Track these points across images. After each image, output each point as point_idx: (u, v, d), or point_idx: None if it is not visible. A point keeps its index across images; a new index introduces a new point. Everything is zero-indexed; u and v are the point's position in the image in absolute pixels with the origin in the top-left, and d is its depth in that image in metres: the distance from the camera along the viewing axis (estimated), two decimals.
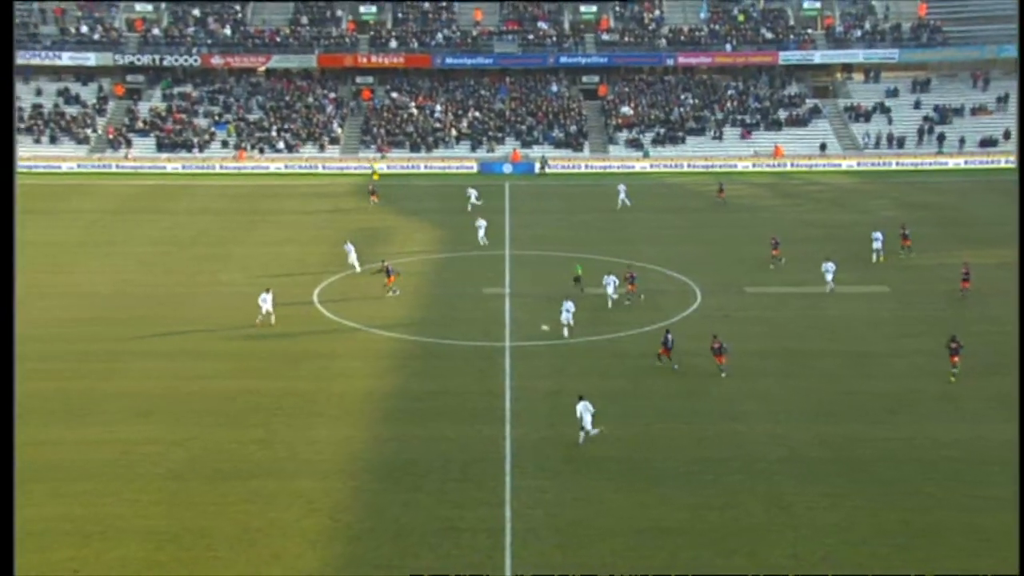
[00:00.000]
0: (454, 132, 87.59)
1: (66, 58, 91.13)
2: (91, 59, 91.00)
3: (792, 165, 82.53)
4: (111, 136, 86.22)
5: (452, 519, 27.06)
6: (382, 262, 48.05)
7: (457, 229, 60.60)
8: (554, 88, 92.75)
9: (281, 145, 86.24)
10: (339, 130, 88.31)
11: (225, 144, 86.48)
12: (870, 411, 34.10)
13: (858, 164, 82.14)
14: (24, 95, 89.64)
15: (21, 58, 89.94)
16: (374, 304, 45.61)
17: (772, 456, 30.93)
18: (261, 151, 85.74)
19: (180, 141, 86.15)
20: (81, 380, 36.74)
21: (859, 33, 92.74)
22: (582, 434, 31.20)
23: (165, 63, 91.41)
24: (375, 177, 78.61)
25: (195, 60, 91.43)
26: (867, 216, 62.43)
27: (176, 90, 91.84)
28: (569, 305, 41.04)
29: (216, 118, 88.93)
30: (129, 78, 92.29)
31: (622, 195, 66.86)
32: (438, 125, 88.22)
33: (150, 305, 45.57)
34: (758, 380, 37.05)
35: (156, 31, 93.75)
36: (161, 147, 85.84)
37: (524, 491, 28.54)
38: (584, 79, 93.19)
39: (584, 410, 31.22)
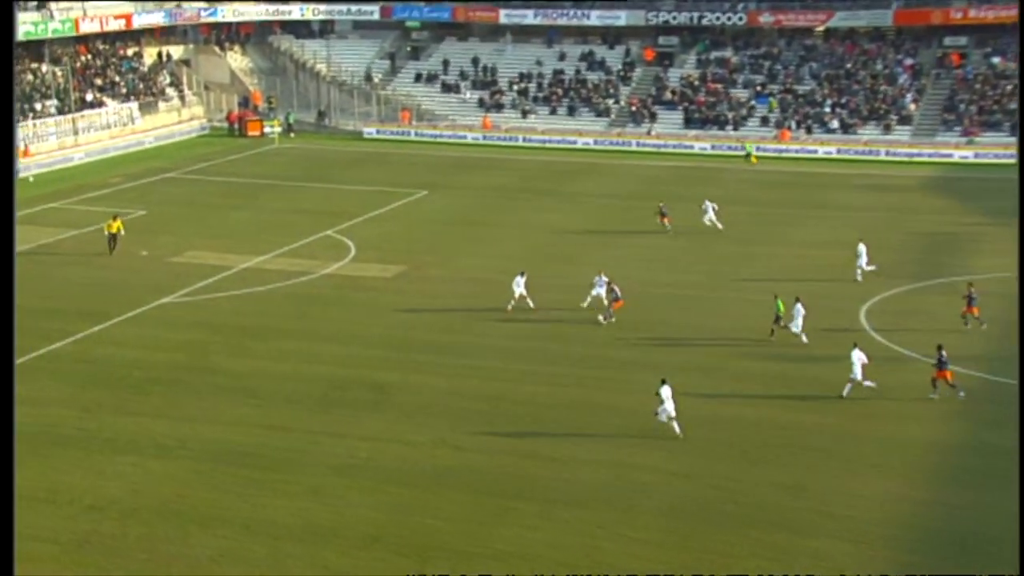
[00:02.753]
0: None
1: (594, 17, 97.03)
2: (621, 18, 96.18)
3: None
4: (634, 108, 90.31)
5: None
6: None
7: None
8: None
9: (835, 124, 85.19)
10: (912, 106, 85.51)
11: (765, 121, 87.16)
12: None
13: None
14: (547, 60, 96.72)
15: (547, 18, 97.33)
16: (938, 330, 43.22)
17: None
18: (808, 131, 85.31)
19: (712, 116, 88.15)
20: (577, 388, 38.32)
21: None
22: (663, 414, 33.67)
23: (704, 22, 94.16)
24: (752, 161, 79.02)
25: (740, 19, 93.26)
26: None
27: (713, 55, 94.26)
28: (859, 356, 36.81)
29: (758, 89, 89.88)
30: (661, 40, 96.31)
31: None
32: None
33: (663, 308, 46.69)
34: None
35: None
36: (689, 122, 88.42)
37: None
38: None
39: (667, 396, 33.44)
